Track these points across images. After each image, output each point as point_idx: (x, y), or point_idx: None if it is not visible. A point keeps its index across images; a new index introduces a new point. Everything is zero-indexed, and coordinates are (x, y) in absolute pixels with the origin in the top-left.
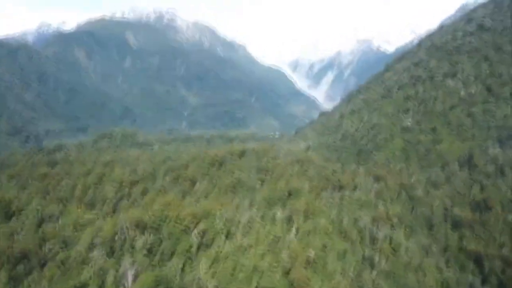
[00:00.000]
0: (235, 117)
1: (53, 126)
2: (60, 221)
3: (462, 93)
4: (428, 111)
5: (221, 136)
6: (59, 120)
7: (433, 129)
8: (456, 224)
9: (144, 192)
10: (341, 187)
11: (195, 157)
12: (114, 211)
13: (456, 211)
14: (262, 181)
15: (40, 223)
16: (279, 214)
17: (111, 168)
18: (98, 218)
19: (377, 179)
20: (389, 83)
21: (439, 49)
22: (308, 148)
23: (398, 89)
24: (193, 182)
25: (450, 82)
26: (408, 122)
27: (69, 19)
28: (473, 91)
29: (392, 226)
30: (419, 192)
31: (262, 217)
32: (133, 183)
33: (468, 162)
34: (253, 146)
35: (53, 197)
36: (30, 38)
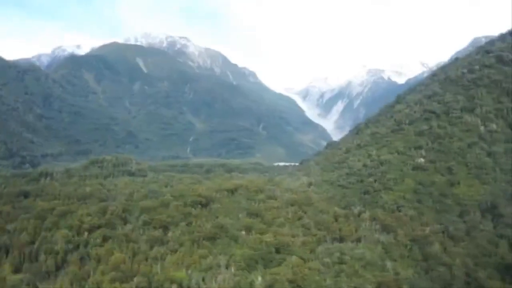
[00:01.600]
0: (242, 145)
1: (52, 149)
2: None
3: (482, 130)
4: (443, 149)
5: (222, 165)
6: (60, 144)
7: (449, 169)
8: None
9: (104, 241)
10: (342, 239)
11: (180, 194)
12: (58, 268)
13: (481, 275)
14: (249, 228)
15: None
16: (259, 281)
17: (79, 205)
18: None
19: (385, 228)
20: (399, 116)
21: (454, 82)
22: (309, 185)
23: (410, 123)
24: (167, 228)
25: (467, 117)
26: (421, 160)
27: (84, 44)
28: (493, 128)
29: None
30: (435, 248)
31: (237, 285)
32: (94, 228)
33: (491, 211)
34: (247, 182)
35: None
36: (44, 61)
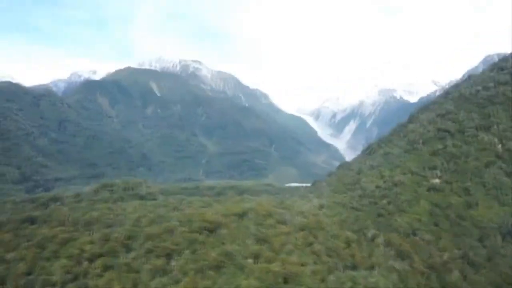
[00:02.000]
0: (254, 166)
1: (66, 173)
2: None
3: (499, 148)
4: (459, 169)
5: (233, 187)
6: (73, 167)
7: (466, 190)
8: None
9: (104, 270)
10: (354, 266)
11: (187, 219)
12: None
13: None
14: (257, 256)
15: None
16: None
17: (82, 232)
18: None
19: (400, 254)
20: (412, 136)
21: (469, 100)
22: (321, 207)
23: (423, 143)
24: (171, 256)
25: (483, 136)
26: (436, 181)
27: (100, 69)
28: (511, 146)
29: None
30: (454, 275)
31: None
32: (95, 257)
33: None
34: (257, 205)
35: None
36: (61, 87)
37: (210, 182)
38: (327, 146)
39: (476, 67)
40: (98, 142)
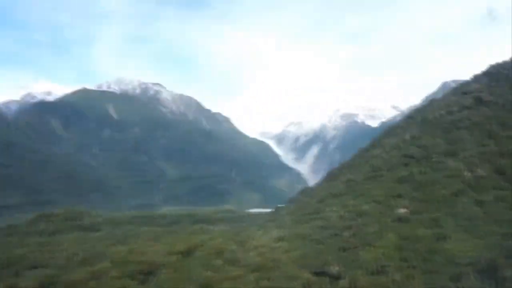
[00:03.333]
0: (215, 191)
1: (10, 200)
2: None
3: (467, 175)
4: (426, 198)
5: (190, 215)
6: (20, 193)
7: (435, 221)
8: None
9: None
10: None
11: (122, 259)
12: None
13: None
14: None
15: None
16: None
17: None
18: None
19: None
20: (376, 162)
21: (433, 124)
22: (279, 240)
23: (388, 170)
24: None
25: (450, 162)
26: (402, 210)
27: (55, 90)
28: (480, 173)
29: None
30: None
31: None
32: None
33: (489, 271)
34: (207, 239)
35: None
36: (13, 108)
37: (167, 208)
38: (290, 170)
39: (435, 92)
40: (49, 167)
